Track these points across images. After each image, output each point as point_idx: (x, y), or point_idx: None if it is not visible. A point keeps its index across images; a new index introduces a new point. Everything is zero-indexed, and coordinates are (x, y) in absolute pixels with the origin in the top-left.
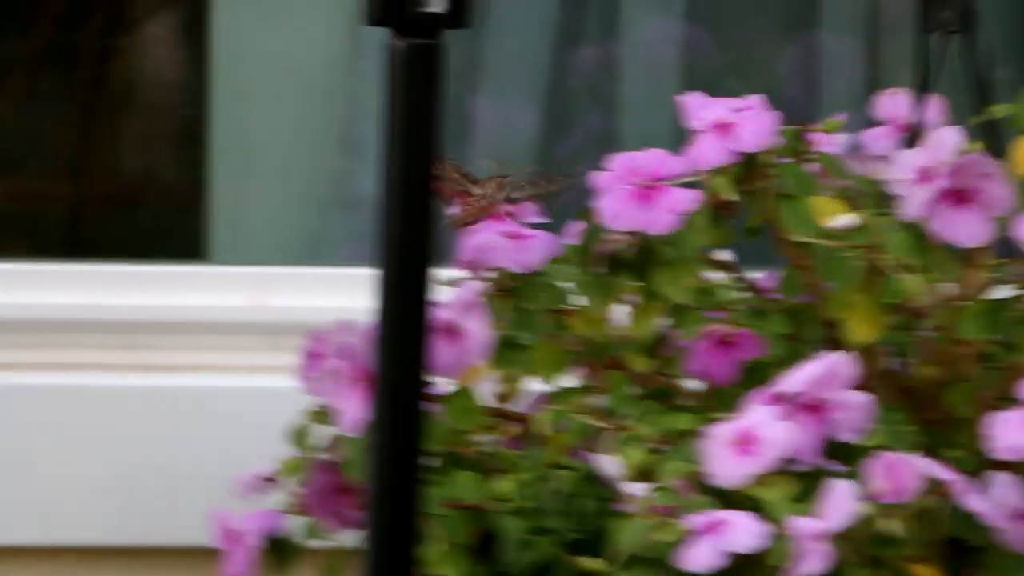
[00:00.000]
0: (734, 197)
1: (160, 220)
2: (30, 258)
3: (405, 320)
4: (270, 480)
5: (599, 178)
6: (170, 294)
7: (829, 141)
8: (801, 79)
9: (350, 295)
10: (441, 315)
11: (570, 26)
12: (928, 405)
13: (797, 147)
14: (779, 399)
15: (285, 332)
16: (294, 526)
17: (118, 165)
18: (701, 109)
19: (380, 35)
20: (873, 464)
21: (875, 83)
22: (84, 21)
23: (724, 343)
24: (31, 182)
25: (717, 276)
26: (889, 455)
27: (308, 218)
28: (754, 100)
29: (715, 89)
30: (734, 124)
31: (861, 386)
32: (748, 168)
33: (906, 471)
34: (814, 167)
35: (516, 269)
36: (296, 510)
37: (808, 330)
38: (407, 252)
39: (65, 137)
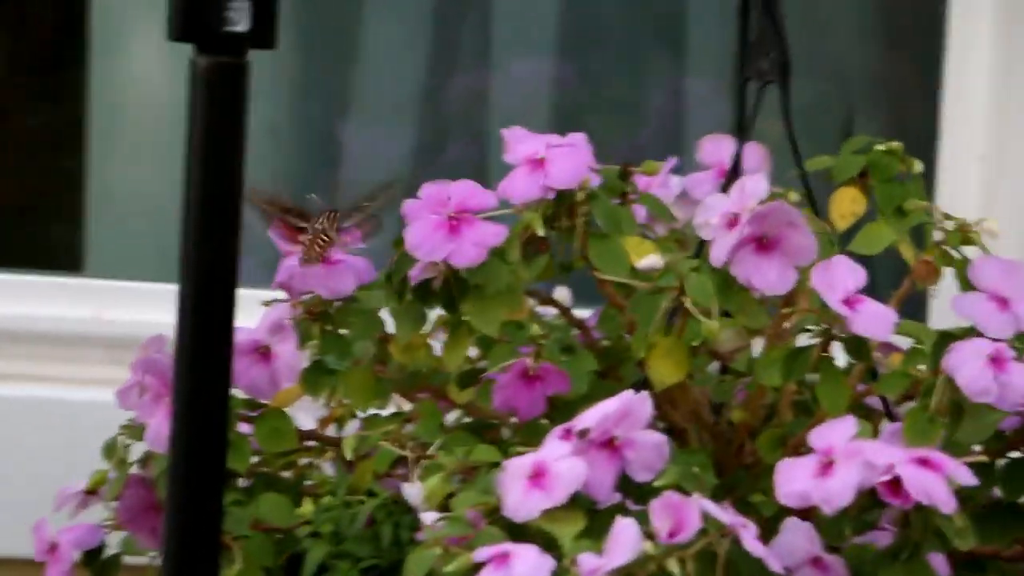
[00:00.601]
0: (541, 233)
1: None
2: None
3: (206, 337)
4: (91, 493)
5: (408, 206)
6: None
7: (661, 183)
8: (666, 120)
9: None
10: (250, 336)
11: (444, 55)
12: (739, 449)
13: (617, 187)
14: (574, 435)
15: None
16: (114, 541)
17: None
18: (518, 143)
19: None
20: (657, 503)
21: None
22: None
23: (530, 377)
24: None
25: (546, 311)
26: (672, 495)
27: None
28: (574, 137)
29: (580, 126)
30: (547, 160)
31: (671, 427)
32: (560, 205)
33: (687, 511)
34: (636, 208)
35: (326, 295)
36: (114, 525)
37: (625, 369)
38: (208, 271)
39: None
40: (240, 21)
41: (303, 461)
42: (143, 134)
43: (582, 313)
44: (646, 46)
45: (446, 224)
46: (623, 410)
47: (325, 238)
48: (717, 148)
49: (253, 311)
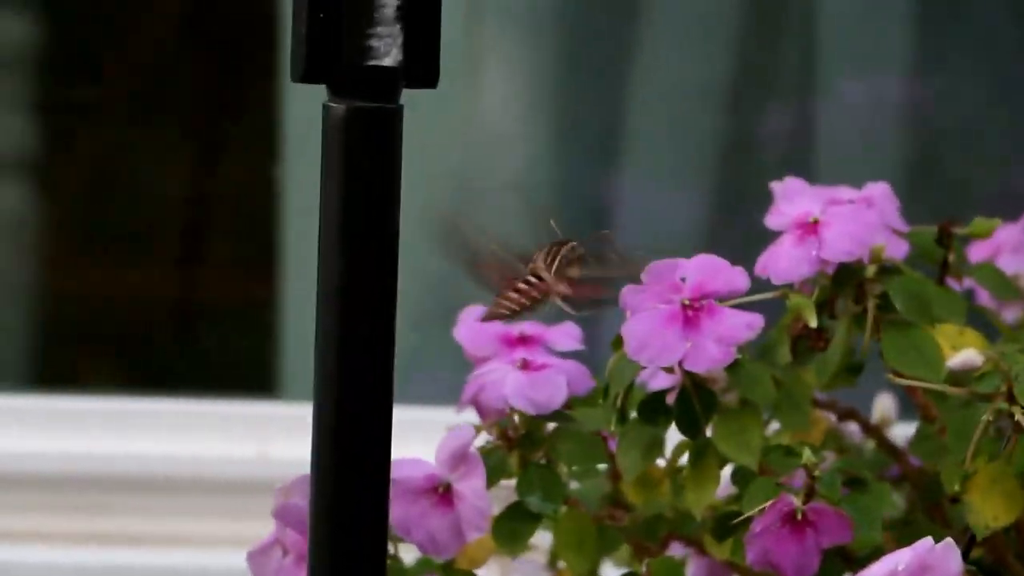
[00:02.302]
0: (813, 323)
1: None
2: None
3: (351, 472)
4: None
5: (628, 292)
6: None
7: (1016, 247)
8: None
9: None
10: (424, 471)
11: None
12: None
13: (934, 254)
14: None
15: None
16: None
17: None
18: (786, 201)
19: None
20: None
21: None
22: None
23: (797, 523)
24: None
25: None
26: None
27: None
28: (873, 190)
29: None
30: (821, 224)
31: None
32: (841, 284)
33: None
34: (953, 285)
35: (530, 411)
36: None
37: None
38: (354, 381)
39: None
40: (388, 52)
41: None
42: None
43: (906, 430)
44: None
45: (680, 315)
46: (920, 564)
47: (533, 280)
48: None
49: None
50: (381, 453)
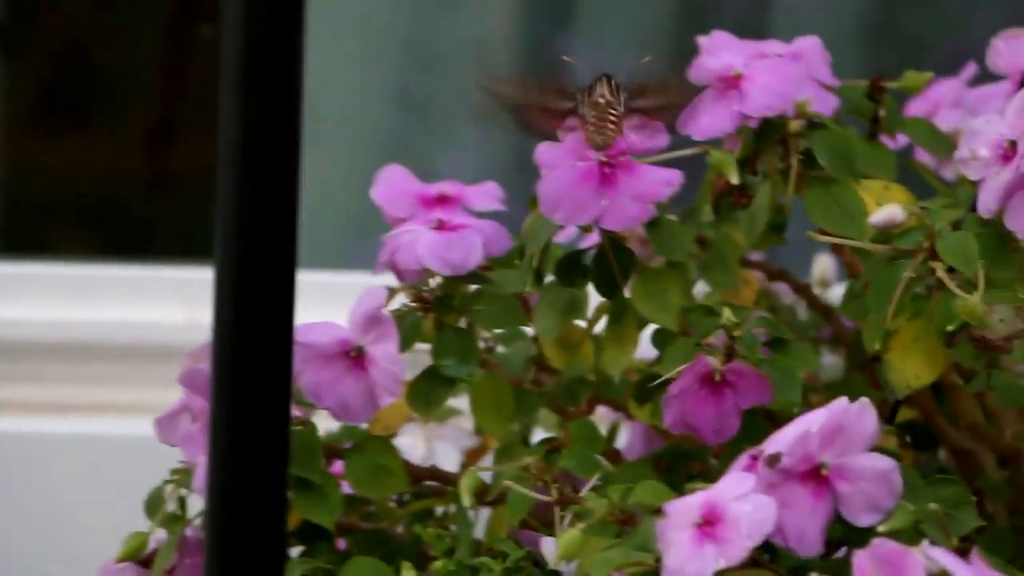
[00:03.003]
0: (735, 180)
1: None
2: None
3: (254, 335)
4: (143, 565)
5: (541, 151)
6: None
7: (953, 102)
8: None
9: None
10: (335, 335)
11: None
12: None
13: (865, 109)
14: (761, 464)
15: None
16: None
17: None
18: (710, 56)
19: None
20: (863, 557)
21: None
22: None
23: (715, 384)
24: None
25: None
26: (885, 543)
27: None
28: (801, 44)
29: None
30: (744, 78)
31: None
32: (763, 140)
33: (907, 564)
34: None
35: (445, 272)
36: None
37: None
38: (256, 238)
39: None
40: None
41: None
42: None
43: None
44: None
45: (597, 172)
46: (834, 425)
47: (615, 112)
48: (1016, 50)
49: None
50: (283, 315)
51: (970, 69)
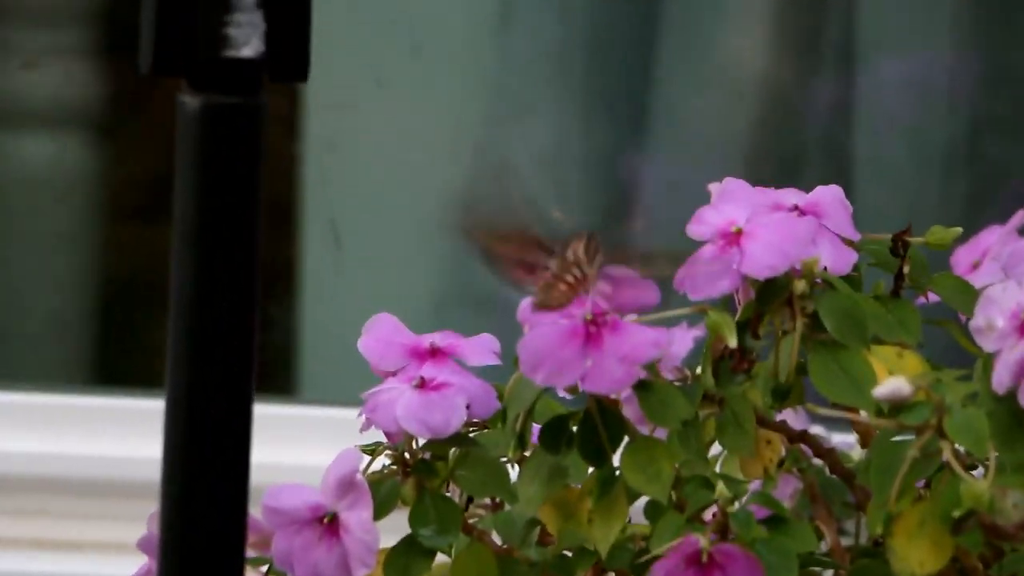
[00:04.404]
0: (732, 343)
1: None
2: None
3: (206, 490)
4: None
5: (523, 307)
6: None
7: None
8: None
9: None
10: (307, 499)
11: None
12: None
13: (890, 265)
14: None
15: None
16: None
17: None
18: (714, 207)
19: None
20: None
21: None
22: None
23: (704, 566)
24: None
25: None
26: None
27: None
28: (821, 194)
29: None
30: (745, 234)
31: None
32: (765, 300)
33: None
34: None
35: (424, 434)
36: None
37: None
38: (209, 388)
39: None
40: (248, 42)
41: None
42: None
43: None
44: None
45: (581, 331)
46: None
47: (578, 273)
48: None
49: None
50: (236, 485)
51: (1020, 216)
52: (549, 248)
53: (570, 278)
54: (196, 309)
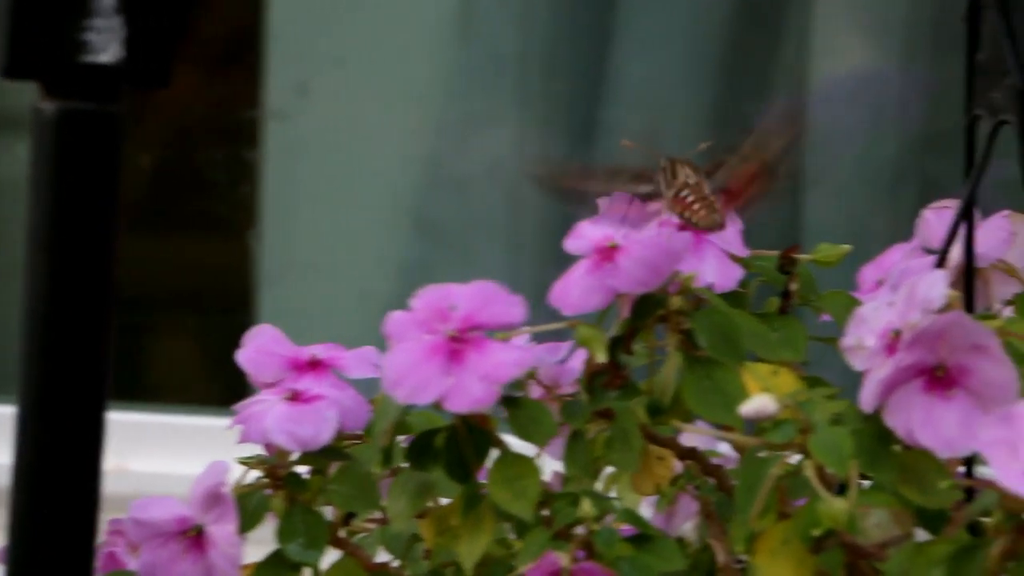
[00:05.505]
0: (601, 358)
1: None
2: None
3: (59, 499)
4: None
5: (391, 321)
6: None
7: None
8: None
9: None
10: (173, 512)
11: None
12: None
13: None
14: None
15: None
16: None
17: None
18: (593, 222)
19: None
20: None
21: None
22: None
23: None
24: None
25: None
26: None
27: None
28: None
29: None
30: (620, 249)
31: None
32: (639, 316)
33: None
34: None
35: (292, 447)
36: None
37: None
38: (61, 398)
39: None
40: (106, 48)
41: None
42: None
43: None
44: None
45: (444, 348)
46: None
47: (703, 191)
48: (943, 223)
49: None
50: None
51: (921, 235)
52: (649, 176)
53: (712, 195)
54: (48, 322)
